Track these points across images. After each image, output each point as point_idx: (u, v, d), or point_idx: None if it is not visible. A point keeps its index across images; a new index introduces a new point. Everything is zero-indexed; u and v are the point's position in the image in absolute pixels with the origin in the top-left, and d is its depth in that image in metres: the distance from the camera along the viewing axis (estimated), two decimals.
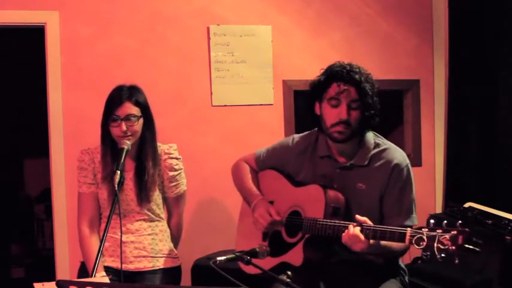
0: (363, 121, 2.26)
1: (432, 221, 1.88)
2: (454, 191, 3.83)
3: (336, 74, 2.24)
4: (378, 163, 2.28)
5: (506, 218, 2.79)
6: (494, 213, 2.89)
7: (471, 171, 3.75)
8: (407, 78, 3.98)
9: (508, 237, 2.65)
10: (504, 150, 3.50)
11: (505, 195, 3.42)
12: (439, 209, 3.96)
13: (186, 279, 2.95)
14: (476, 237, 1.75)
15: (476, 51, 3.70)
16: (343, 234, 2.05)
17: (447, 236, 1.78)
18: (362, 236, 2.00)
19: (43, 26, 3.36)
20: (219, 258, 1.86)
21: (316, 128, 2.42)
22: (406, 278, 2.39)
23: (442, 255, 1.78)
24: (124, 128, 2.47)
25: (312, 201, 2.27)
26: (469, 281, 2.72)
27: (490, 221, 2.81)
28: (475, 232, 1.76)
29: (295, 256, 2.25)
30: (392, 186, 2.25)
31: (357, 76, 2.21)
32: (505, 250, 2.67)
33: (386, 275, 2.30)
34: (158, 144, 2.64)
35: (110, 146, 2.54)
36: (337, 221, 2.13)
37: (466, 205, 3.07)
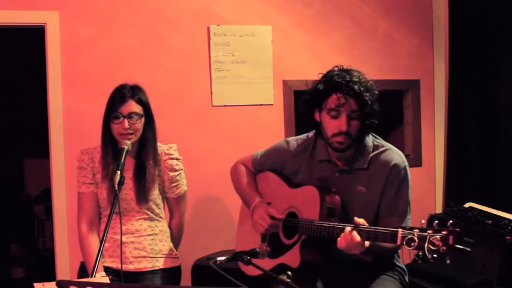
0: (363, 129, 2.25)
1: (423, 221, 1.87)
2: (454, 191, 3.83)
3: (336, 85, 2.19)
4: (377, 165, 2.27)
5: (506, 218, 2.80)
6: (494, 213, 2.89)
7: (471, 171, 3.75)
8: (407, 78, 3.98)
9: (508, 237, 2.65)
10: (504, 150, 3.50)
11: (505, 195, 3.42)
12: (439, 209, 3.96)
13: (186, 279, 2.95)
14: (468, 237, 1.75)
15: (476, 51, 3.70)
16: (339, 239, 2.04)
17: (438, 236, 1.78)
18: (359, 238, 1.99)
19: (43, 26, 3.35)
20: (219, 258, 1.87)
21: (313, 132, 2.40)
22: (406, 278, 2.39)
23: (434, 255, 1.78)
24: (126, 125, 2.47)
25: (307, 202, 2.27)
26: (469, 281, 2.72)
27: (490, 221, 2.81)
28: (466, 231, 1.75)
29: (293, 258, 2.25)
30: (389, 186, 2.25)
31: (356, 86, 2.16)
32: (505, 250, 2.67)
33: (382, 270, 2.31)
34: (158, 144, 2.64)
35: (110, 144, 2.54)
36: (332, 223, 2.13)
37: (466, 205, 3.07)
